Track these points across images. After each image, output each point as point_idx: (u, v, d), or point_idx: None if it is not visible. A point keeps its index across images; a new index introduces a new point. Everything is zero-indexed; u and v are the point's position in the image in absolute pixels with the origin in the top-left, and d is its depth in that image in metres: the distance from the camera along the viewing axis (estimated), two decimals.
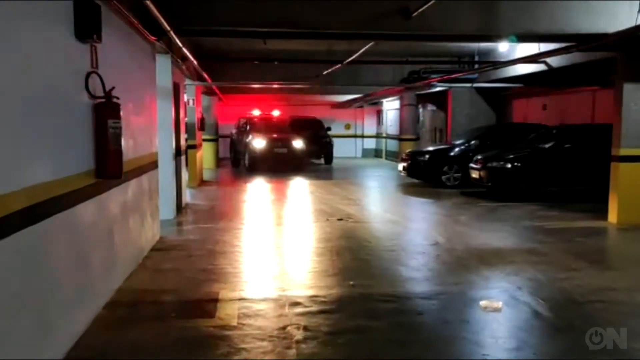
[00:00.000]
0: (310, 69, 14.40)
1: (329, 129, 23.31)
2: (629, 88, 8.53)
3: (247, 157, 17.98)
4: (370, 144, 26.89)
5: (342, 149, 24.87)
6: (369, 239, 7.97)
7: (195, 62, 10.17)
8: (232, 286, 5.39)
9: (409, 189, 13.33)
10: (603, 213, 8.95)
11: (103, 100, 4.47)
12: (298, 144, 18.05)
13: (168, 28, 6.35)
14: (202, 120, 14.98)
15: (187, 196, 11.02)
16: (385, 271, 6.20)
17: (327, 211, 10.20)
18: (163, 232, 7.75)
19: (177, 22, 6.47)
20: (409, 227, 8.79)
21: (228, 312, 4.61)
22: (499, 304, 4.78)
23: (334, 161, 21.97)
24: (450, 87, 15.57)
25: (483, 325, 4.43)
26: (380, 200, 12.33)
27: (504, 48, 12.25)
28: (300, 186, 14.07)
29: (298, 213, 10.52)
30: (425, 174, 13.77)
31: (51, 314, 3.58)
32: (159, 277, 5.75)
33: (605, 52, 8.83)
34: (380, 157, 25.29)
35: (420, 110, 20.90)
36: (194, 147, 13.15)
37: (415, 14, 6.86)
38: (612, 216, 8.75)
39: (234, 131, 21.14)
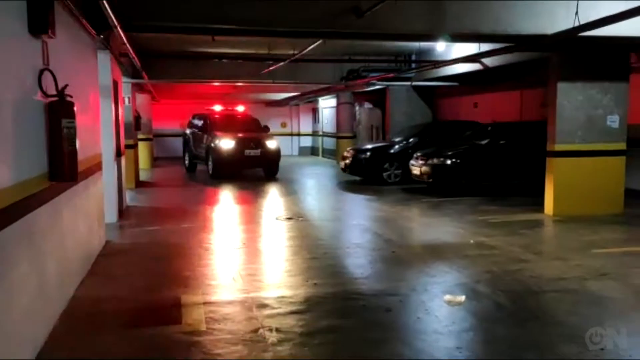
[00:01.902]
0: (249, 67, 14.23)
1: (266, 127, 23.12)
2: (562, 87, 8.99)
3: (210, 161, 15.10)
4: (307, 142, 26.96)
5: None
6: (322, 237, 7.99)
7: (136, 59, 9.80)
8: (193, 290, 5.23)
9: (352, 187, 13.45)
10: (539, 205, 9.39)
11: (56, 98, 4.21)
12: (272, 144, 15.38)
13: (115, 23, 6.07)
14: (138, 119, 14.48)
15: (127, 198, 10.61)
16: (344, 269, 6.22)
17: (274, 210, 10.13)
18: (108, 236, 7.42)
19: (126, 18, 6.19)
20: (359, 225, 8.86)
21: (195, 317, 4.47)
22: (462, 298, 4.91)
23: None
24: (389, 86, 15.82)
25: (451, 318, 4.51)
26: (325, 198, 12.36)
27: (441, 48, 12.56)
28: (239, 184, 13.86)
29: (244, 212, 10.37)
30: (366, 171, 13.94)
31: (10, 327, 3.33)
32: (112, 284, 5.50)
33: (541, 53, 9.24)
34: (317, 154, 25.39)
35: (357, 108, 21.12)
36: (130, 147, 12.68)
37: (366, 13, 6.90)
38: (548, 208, 9.19)
39: (187, 131, 18.11)
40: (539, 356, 3.79)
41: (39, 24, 3.87)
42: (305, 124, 27.13)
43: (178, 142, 24.81)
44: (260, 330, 4.18)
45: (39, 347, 3.80)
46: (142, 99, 18.15)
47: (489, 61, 11.52)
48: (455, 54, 12.21)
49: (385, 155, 13.84)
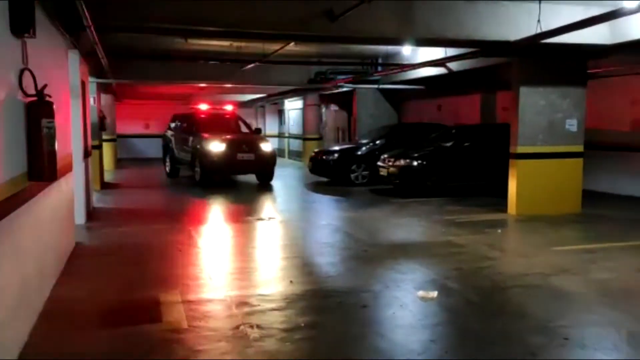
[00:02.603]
0: (217, 69, 14.22)
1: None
2: (525, 91, 9.34)
3: (198, 166, 13.64)
4: (273, 143, 26.94)
5: None
6: (294, 237, 8.11)
7: (104, 59, 9.72)
8: (170, 289, 5.26)
9: (320, 188, 13.60)
10: (502, 206, 9.73)
11: (36, 98, 4.21)
12: (267, 147, 13.96)
13: (89, 23, 6.06)
14: (103, 119, 14.30)
15: (94, 200, 10.50)
16: (318, 267, 6.34)
17: (245, 210, 10.19)
18: (77, 238, 7.36)
19: (100, 18, 6.18)
20: (330, 225, 9.00)
21: (175, 316, 4.52)
22: (435, 293, 5.10)
23: None
24: (356, 88, 16.05)
25: (425, 313, 4.70)
26: (294, 199, 12.48)
27: (407, 52, 12.82)
28: (208, 185, 13.84)
29: (214, 212, 10.39)
30: (334, 173, 14.12)
31: None
32: (87, 285, 5.49)
33: (504, 58, 9.58)
34: (283, 156, 25.45)
35: (323, 109, 21.32)
36: (95, 147, 12.52)
37: (340, 17, 7.06)
38: (511, 208, 9.53)
39: (168, 132, 16.57)
40: (509, 346, 4.00)
41: (21, 24, 3.88)
42: (271, 126, 27.18)
43: (142, 143, 24.71)
44: (242, 327, 4.27)
45: (21, 347, 3.80)
46: (105, 99, 17.90)
47: (454, 65, 11.85)
48: (420, 58, 12.49)
49: (352, 156, 14.04)
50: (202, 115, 15.73)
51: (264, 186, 13.88)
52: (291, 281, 5.60)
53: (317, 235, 8.40)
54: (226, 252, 7.21)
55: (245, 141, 13.83)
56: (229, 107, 17.19)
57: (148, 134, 24.79)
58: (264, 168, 13.94)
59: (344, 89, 16.46)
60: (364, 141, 14.76)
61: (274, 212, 10.09)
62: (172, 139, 15.91)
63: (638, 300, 5.05)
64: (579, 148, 9.69)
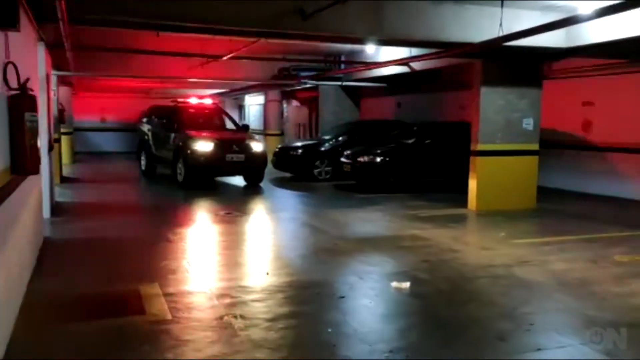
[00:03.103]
0: (181, 63, 14.12)
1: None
2: (485, 91, 9.73)
3: (181, 166, 12.31)
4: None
5: None
6: (264, 231, 8.23)
7: (70, 52, 9.58)
8: (148, 282, 5.32)
9: (284, 183, 13.73)
10: (462, 201, 10.10)
11: (18, 92, 4.22)
12: (258, 147, 12.85)
13: (63, 16, 6.02)
14: (62, 112, 14.01)
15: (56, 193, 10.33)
16: (292, 260, 6.50)
17: (212, 205, 10.24)
18: (44, 232, 7.29)
19: (73, 11, 6.13)
20: (298, 219, 9.16)
21: (158, 307, 4.61)
22: (408, 284, 5.34)
23: None
24: (319, 85, 16.22)
25: (400, 302, 4.94)
26: (260, 194, 12.56)
27: (371, 50, 13.06)
28: (192, 187, 13.71)
29: (182, 208, 10.39)
30: (298, 168, 14.28)
31: None
32: (63, 278, 5.50)
33: (466, 59, 9.93)
34: None
35: (285, 105, 21.44)
36: (55, 141, 12.28)
37: (311, 15, 7.21)
38: (472, 203, 9.92)
39: (145, 127, 15.06)
40: (481, 331, 4.28)
41: (7, 18, 3.88)
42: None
43: (99, 137, 24.18)
44: (226, 318, 4.40)
45: (7, 340, 3.82)
46: (63, 91, 17.49)
47: (416, 65, 12.14)
48: (383, 57, 12.76)
49: (316, 152, 14.22)
50: (186, 110, 14.21)
51: (253, 188, 12.85)
52: (267, 273, 5.74)
53: (287, 230, 8.55)
54: (198, 246, 7.28)
55: (235, 140, 12.67)
56: (207, 101, 15.58)
57: (106, 128, 24.32)
58: (255, 169, 12.84)
59: (307, 86, 16.61)
60: (327, 137, 14.96)
61: (241, 206, 10.16)
62: (150, 134, 14.51)
63: (593, 288, 5.41)
64: (535, 146, 10.16)
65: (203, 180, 12.55)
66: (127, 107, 23.68)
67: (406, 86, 15.97)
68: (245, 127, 14.62)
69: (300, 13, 7.31)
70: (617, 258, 6.54)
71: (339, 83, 15.44)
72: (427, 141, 12.61)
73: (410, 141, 12.75)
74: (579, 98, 12.05)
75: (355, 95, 17.65)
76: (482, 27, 8.20)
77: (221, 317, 4.41)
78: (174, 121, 13.40)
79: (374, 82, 15.40)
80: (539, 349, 3.95)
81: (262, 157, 12.84)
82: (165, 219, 9.06)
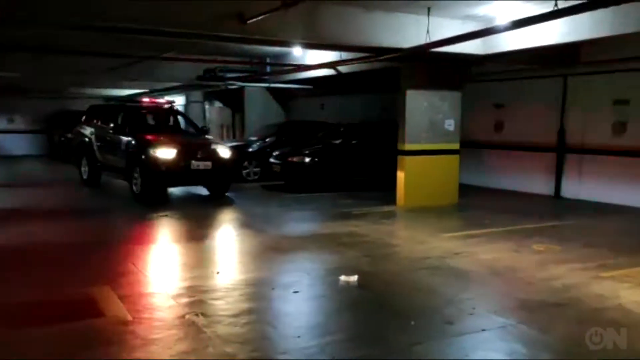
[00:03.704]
0: (100, 63, 13.71)
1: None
2: (411, 94, 10.28)
3: (138, 176, 10.56)
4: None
5: None
6: (202, 231, 8.25)
7: None
8: (98, 285, 5.26)
9: None
10: (390, 198, 10.58)
11: None
12: (225, 153, 11.19)
13: None
14: None
15: None
16: (239, 259, 6.63)
17: (146, 207, 10.08)
18: None
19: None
20: (234, 219, 9.25)
21: (116, 309, 4.61)
22: (355, 277, 5.62)
23: None
24: (245, 86, 16.28)
25: (351, 294, 5.22)
26: (190, 195, 12.45)
27: (298, 52, 13.33)
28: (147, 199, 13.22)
29: (118, 209, 10.15)
30: None
31: None
32: (4, 284, 5.31)
33: (392, 63, 10.42)
34: None
35: (207, 106, 21.26)
36: None
37: (250, 20, 7.36)
38: (400, 201, 10.43)
39: (86, 130, 13.09)
40: (430, 318, 4.65)
41: None
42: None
43: (5, 140, 22.73)
44: (187, 316, 4.49)
45: None
46: None
47: (344, 68, 12.56)
48: (310, 60, 13.07)
49: (244, 153, 14.28)
50: (138, 111, 12.62)
51: (218, 199, 11.35)
52: (218, 272, 5.84)
53: (224, 229, 8.62)
54: (137, 247, 7.20)
55: (200, 146, 11.08)
56: (162, 100, 13.68)
57: (13, 130, 22.95)
58: (222, 178, 11.35)
59: (232, 87, 16.61)
60: (254, 138, 15.07)
61: (173, 207, 10.08)
62: (92, 138, 12.67)
63: (520, 274, 5.96)
64: (456, 146, 10.84)
65: (162, 192, 11.18)
66: (37, 109, 22.55)
67: (329, 88, 16.38)
68: (204, 130, 13.17)
69: (239, 17, 7.44)
70: (535, 247, 7.20)
71: (266, 85, 15.59)
72: (354, 141, 13.05)
73: (337, 141, 13.15)
74: (492, 100, 12.95)
75: (281, 97, 17.86)
76: (410, 33, 8.69)
77: (183, 316, 4.49)
78: (125, 124, 11.69)
79: (301, 84, 15.67)
80: (483, 330, 4.36)
81: (230, 164, 11.28)
82: (96, 217, 8.83)
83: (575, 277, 5.82)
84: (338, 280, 5.56)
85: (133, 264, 6.22)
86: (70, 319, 4.41)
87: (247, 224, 8.82)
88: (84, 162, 13.06)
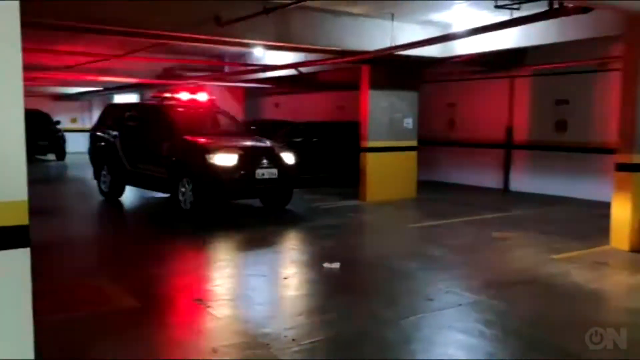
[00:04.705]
0: (58, 60, 13.63)
1: (58, 122, 21.87)
2: (372, 94, 10.85)
3: (190, 187, 8.75)
4: None
5: (71, 144, 23.49)
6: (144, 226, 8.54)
7: None
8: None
9: None
10: (354, 194, 11.09)
11: None
12: (290, 158, 9.48)
13: None
14: None
15: None
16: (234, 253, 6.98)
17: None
18: None
19: None
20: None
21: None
22: (337, 264, 6.09)
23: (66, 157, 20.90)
24: (204, 85, 16.44)
25: (340, 280, 5.72)
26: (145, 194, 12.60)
27: (259, 53, 13.69)
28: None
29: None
30: None
31: None
32: None
33: (353, 63, 10.96)
34: None
35: None
36: None
37: (226, 24, 7.72)
38: (363, 195, 10.98)
39: (110, 133, 11.02)
40: (413, 296, 5.22)
41: None
42: None
43: None
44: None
45: None
46: None
47: (304, 69, 13.03)
48: (270, 59, 13.45)
49: None
50: (179, 110, 10.43)
51: (276, 213, 9.68)
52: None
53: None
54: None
55: (264, 151, 9.32)
56: (203, 97, 11.01)
57: None
58: (286, 189, 9.69)
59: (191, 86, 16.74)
60: None
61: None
62: (117, 142, 10.75)
63: (482, 258, 6.62)
64: (414, 143, 11.50)
65: (217, 207, 9.33)
66: None
67: (285, 87, 16.79)
68: (255, 132, 11.31)
69: (216, 20, 7.78)
70: (493, 235, 7.90)
71: (226, 84, 15.84)
72: (314, 139, 13.52)
73: (298, 139, 13.57)
74: (445, 100, 13.74)
75: (237, 95, 18.11)
76: (374, 37, 9.26)
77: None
78: (165, 124, 9.73)
79: (261, 83, 16.01)
80: (460, 305, 4.94)
81: (294, 172, 9.56)
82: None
83: (531, 260, 6.51)
84: (322, 267, 6.03)
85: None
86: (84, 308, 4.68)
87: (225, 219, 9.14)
88: (104, 171, 10.99)
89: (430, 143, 13.58)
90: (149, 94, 20.63)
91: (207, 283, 5.53)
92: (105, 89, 20.49)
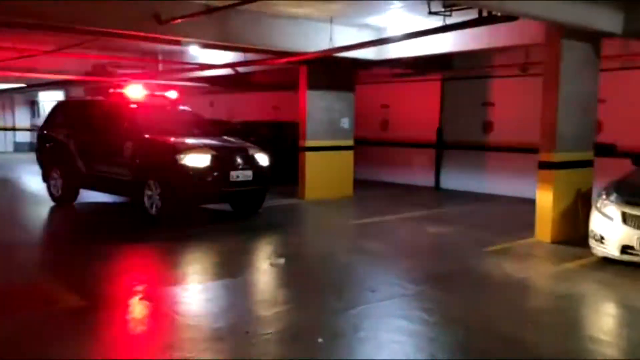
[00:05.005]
0: None
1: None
2: (310, 94, 11.04)
3: (157, 191, 8.14)
4: (24, 137, 24.66)
5: None
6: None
7: None
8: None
9: None
10: (292, 193, 11.20)
11: None
12: (264, 159, 8.98)
13: None
14: None
15: None
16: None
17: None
18: None
19: None
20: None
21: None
22: (283, 260, 6.24)
23: None
24: (137, 82, 16.07)
25: (286, 275, 5.86)
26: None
27: (194, 51, 13.60)
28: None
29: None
30: None
31: None
32: None
33: (291, 64, 11.12)
34: None
35: None
36: None
37: (166, 22, 7.68)
38: (302, 194, 11.14)
39: (56, 132, 10.38)
40: (357, 288, 5.44)
41: None
42: (22, 118, 24.82)
43: None
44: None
45: None
46: None
47: (241, 68, 13.07)
48: (204, 57, 13.39)
49: None
50: (144, 107, 9.74)
51: (247, 218, 9.04)
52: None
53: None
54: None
55: (238, 151, 8.78)
56: (172, 94, 10.58)
57: None
58: (259, 192, 9.12)
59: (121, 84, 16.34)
60: None
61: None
62: (70, 142, 9.86)
63: (420, 252, 6.97)
64: (350, 142, 11.80)
65: (186, 211, 8.71)
66: None
67: (220, 87, 16.73)
68: (228, 132, 10.70)
69: (156, 18, 7.73)
70: (428, 230, 8.29)
71: (161, 82, 15.58)
72: (252, 139, 13.54)
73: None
74: (379, 101, 14.16)
75: None
76: (313, 38, 9.46)
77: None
78: (127, 123, 8.96)
79: (195, 82, 15.88)
80: (402, 295, 5.21)
81: (269, 174, 9.06)
82: None
83: (466, 252, 6.91)
84: (269, 263, 6.16)
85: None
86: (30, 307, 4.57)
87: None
88: (54, 174, 10.08)
89: (366, 143, 13.95)
90: (76, 91, 20.03)
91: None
92: (29, 85, 19.57)
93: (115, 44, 13.39)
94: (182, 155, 7.97)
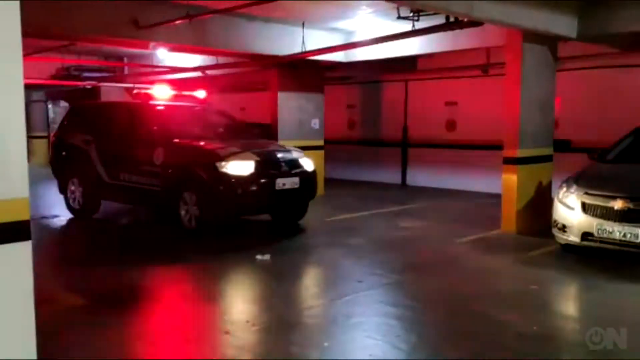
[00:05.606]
0: None
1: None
2: (282, 95, 11.33)
3: (194, 202, 7.48)
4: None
5: None
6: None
7: None
8: None
9: None
10: None
11: None
12: (309, 165, 8.39)
13: None
14: None
15: None
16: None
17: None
18: None
19: None
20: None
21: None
22: (268, 256, 6.49)
23: None
24: (101, 86, 16.02)
25: (274, 270, 6.12)
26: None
27: (162, 54, 13.67)
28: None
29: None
30: None
31: None
32: None
33: (263, 67, 11.40)
34: None
35: (50, 106, 20.25)
36: None
37: (144, 27, 7.85)
38: None
39: (74, 137, 9.43)
40: (344, 279, 5.79)
41: None
42: None
43: None
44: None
45: None
46: None
47: (209, 71, 13.22)
48: (170, 60, 13.49)
49: None
50: (173, 109, 9.11)
51: (289, 228, 8.45)
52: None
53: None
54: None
55: (284, 157, 8.15)
56: (201, 94, 9.71)
57: None
58: (304, 201, 8.48)
59: (86, 87, 16.23)
60: None
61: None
62: (93, 149, 8.96)
63: (396, 245, 7.35)
64: (321, 142, 12.14)
65: (225, 221, 7.84)
66: None
67: (188, 89, 16.77)
68: (268, 135, 9.89)
69: (135, 23, 7.89)
70: (400, 224, 8.71)
71: (129, 85, 15.55)
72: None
73: None
74: (346, 101, 14.56)
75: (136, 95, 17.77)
76: (285, 42, 9.74)
77: None
78: (157, 126, 8.25)
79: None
80: (386, 284, 5.58)
81: (314, 181, 8.51)
82: None
83: (438, 244, 7.35)
84: (255, 259, 6.41)
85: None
86: None
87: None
88: (73, 185, 9.24)
89: (334, 142, 14.31)
90: (38, 95, 19.70)
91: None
92: None
93: (79, 47, 13.36)
94: (223, 163, 7.28)
